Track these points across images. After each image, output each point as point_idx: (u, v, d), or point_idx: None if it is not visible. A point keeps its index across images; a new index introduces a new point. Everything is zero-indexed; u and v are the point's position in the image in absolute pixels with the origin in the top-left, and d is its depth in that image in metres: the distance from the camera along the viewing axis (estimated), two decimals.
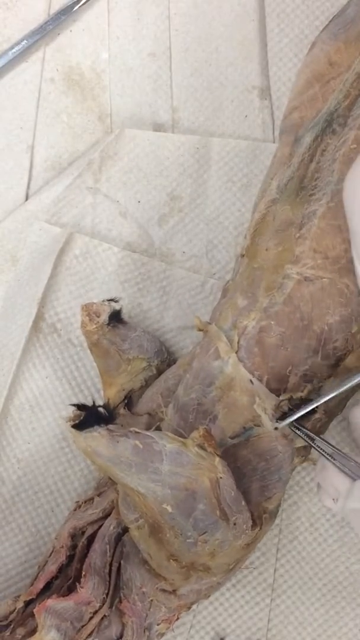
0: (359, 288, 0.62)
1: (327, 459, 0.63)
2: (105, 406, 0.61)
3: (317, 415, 0.65)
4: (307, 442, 0.64)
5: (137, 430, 0.60)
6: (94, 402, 0.61)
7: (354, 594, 0.77)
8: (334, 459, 0.62)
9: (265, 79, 0.83)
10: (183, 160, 0.82)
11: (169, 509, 0.60)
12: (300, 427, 0.64)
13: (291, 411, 0.64)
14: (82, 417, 0.59)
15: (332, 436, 0.77)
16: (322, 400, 0.63)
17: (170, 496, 0.59)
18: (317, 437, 0.64)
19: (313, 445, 0.64)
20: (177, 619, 0.69)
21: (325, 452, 0.63)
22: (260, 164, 0.81)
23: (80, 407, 0.60)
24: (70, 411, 0.61)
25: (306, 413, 0.64)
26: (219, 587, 0.68)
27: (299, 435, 0.64)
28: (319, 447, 0.63)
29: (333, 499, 0.63)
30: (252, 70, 0.83)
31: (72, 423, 0.59)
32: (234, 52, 0.83)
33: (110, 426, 0.59)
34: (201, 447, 0.59)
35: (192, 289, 0.80)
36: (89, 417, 0.59)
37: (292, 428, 0.64)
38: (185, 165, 0.82)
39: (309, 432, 0.64)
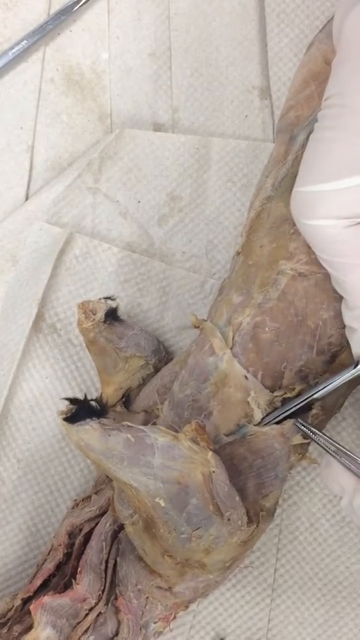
0: None
1: (333, 455, 0.62)
2: (97, 400, 0.61)
3: (314, 412, 0.65)
4: (311, 438, 0.64)
5: (129, 423, 0.60)
6: (85, 396, 0.61)
7: (354, 594, 0.76)
8: (339, 456, 0.62)
9: (265, 79, 0.83)
10: (183, 160, 0.82)
11: (162, 503, 0.60)
12: (304, 424, 0.64)
13: (285, 405, 0.64)
14: (74, 411, 0.59)
15: (331, 436, 0.77)
16: (314, 393, 0.63)
17: (163, 490, 0.59)
18: (320, 434, 0.64)
19: (317, 441, 0.64)
20: (175, 618, 0.68)
21: (330, 449, 0.63)
22: (261, 164, 0.81)
23: (73, 401, 0.60)
24: (65, 406, 0.61)
25: (303, 410, 0.64)
26: (217, 585, 0.67)
27: (303, 432, 0.64)
28: (323, 443, 0.63)
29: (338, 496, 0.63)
30: (252, 70, 0.83)
31: (64, 416, 0.59)
32: (234, 52, 0.84)
33: (103, 420, 0.59)
34: (194, 440, 0.59)
35: (192, 289, 0.80)
36: (81, 411, 0.59)
37: (297, 424, 0.64)
38: (185, 165, 0.82)
39: (313, 429, 0.64)
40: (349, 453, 0.62)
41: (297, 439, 0.65)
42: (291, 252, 0.64)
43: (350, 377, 0.62)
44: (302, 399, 0.64)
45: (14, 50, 0.83)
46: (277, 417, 0.64)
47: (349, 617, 0.76)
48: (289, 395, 0.64)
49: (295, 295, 0.63)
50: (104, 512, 0.69)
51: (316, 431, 0.64)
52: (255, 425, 0.65)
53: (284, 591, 0.77)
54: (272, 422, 0.65)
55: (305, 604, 0.76)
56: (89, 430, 0.58)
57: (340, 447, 0.63)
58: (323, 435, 0.64)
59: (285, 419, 0.65)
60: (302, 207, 0.59)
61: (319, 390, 0.63)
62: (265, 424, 0.65)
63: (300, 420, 0.64)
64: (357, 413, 0.76)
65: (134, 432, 0.59)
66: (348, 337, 0.63)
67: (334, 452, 0.63)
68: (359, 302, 0.60)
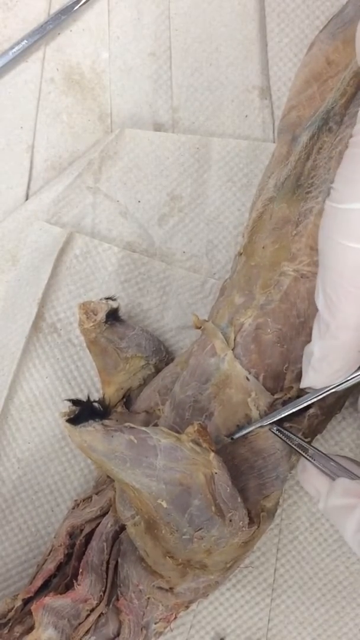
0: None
1: (308, 459, 0.63)
2: (100, 401, 0.61)
3: (311, 411, 0.65)
4: (285, 442, 0.64)
5: (131, 425, 0.60)
6: (88, 397, 0.61)
7: (354, 594, 0.76)
8: (314, 460, 0.62)
9: (266, 78, 0.83)
10: (183, 160, 0.82)
11: (164, 504, 0.60)
12: (279, 428, 0.64)
13: (284, 406, 0.64)
14: (76, 412, 0.59)
15: (331, 436, 0.77)
16: (306, 402, 0.63)
17: (165, 491, 0.59)
18: (296, 437, 0.64)
19: (292, 445, 0.64)
20: (176, 618, 0.68)
21: (306, 454, 0.63)
22: (261, 164, 0.81)
23: (75, 402, 0.60)
24: (67, 407, 0.61)
25: (300, 410, 0.64)
26: (217, 586, 0.67)
27: (278, 436, 0.64)
28: (298, 448, 0.64)
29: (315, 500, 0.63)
30: (252, 70, 0.83)
31: (67, 418, 0.59)
32: (234, 52, 0.84)
33: (105, 421, 0.59)
34: (196, 442, 0.59)
35: (192, 289, 0.80)
36: (83, 412, 0.59)
37: (273, 431, 0.64)
38: (185, 165, 0.82)
39: (288, 433, 0.64)
40: (324, 455, 0.63)
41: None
42: (293, 253, 0.64)
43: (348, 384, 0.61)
44: (301, 405, 0.64)
45: (14, 50, 0.83)
46: (276, 417, 0.64)
47: (349, 617, 0.76)
48: (289, 396, 0.64)
49: (297, 297, 0.63)
50: (105, 513, 0.69)
51: (291, 435, 0.64)
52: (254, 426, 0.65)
53: (284, 591, 0.77)
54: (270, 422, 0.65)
55: (305, 604, 0.76)
56: (92, 432, 0.58)
57: (317, 450, 0.63)
58: (299, 438, 0.64)
59: (283, 419, 0.65)
60: (341, 225, 0.54)
61: (313, 399, 0.63)
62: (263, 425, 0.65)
63: (276, 425, 0.65)
64: (357, 413, 0.76)
65: (137, 433, 0.59)
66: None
67: (310, 456, 0.63)
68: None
